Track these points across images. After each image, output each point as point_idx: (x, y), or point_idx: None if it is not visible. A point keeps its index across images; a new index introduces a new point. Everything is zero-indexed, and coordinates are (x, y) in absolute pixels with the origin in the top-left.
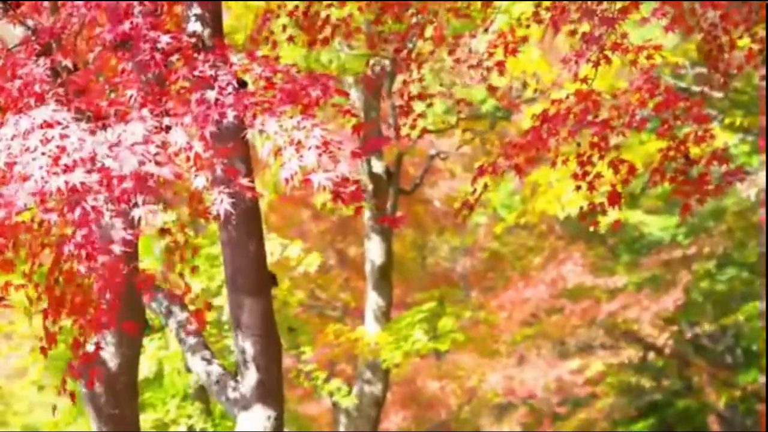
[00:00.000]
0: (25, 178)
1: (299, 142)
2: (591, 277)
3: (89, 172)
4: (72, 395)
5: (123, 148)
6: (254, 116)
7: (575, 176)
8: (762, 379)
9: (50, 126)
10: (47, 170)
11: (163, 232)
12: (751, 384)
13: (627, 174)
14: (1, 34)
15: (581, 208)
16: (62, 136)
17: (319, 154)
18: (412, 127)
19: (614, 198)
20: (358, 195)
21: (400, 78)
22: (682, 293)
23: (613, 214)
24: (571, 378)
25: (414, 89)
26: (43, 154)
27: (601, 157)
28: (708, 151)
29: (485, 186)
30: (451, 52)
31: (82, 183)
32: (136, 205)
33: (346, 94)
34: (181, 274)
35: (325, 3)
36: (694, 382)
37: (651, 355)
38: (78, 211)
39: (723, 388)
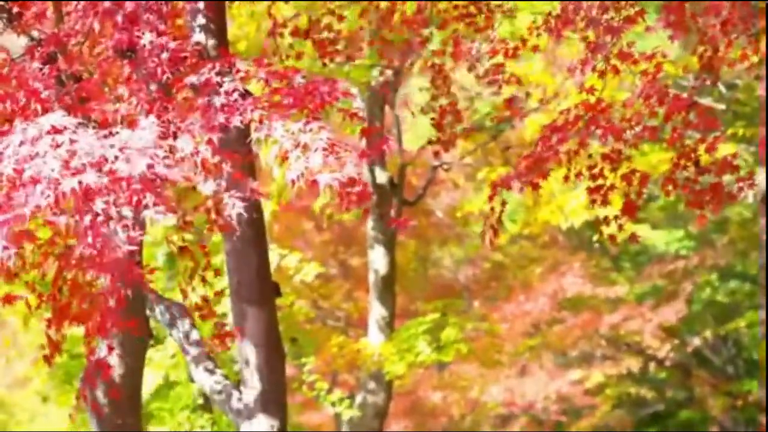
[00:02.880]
0: (36, 182)
1: (305, 145)
2: (591, 286)
3: (99, 174)
4: (93, 403)
5: (133, 150)
6: (260, 121)
7: (589, 190)
8: (763, 389)
9: (59, 132)
10: (59, 173)
11: (182, 250)
12: (751, 394)
13: (640, 184)
14: (5, 44)
15: (596, 221)
16: (72, 141)
17: (326, 156)
18: (451, 140)
19: (629, 209)
20: (365, 196)
21: (402, 89)
22: (684, 304)
23: (630, 227)
24: (572, 388)
25: (439, 103)
26: (54, 158)
27: (614, 170)
28: (718, 158)
29: (503, 203)
30: (455, 56)
31: (94, 185)
32: (146, 207)
33: (353, 96)
34: (204, 298)
35: (329, 16)
36: (696, 393)
37: (652, 365)
38: (88, 216)
39: (725, 399)
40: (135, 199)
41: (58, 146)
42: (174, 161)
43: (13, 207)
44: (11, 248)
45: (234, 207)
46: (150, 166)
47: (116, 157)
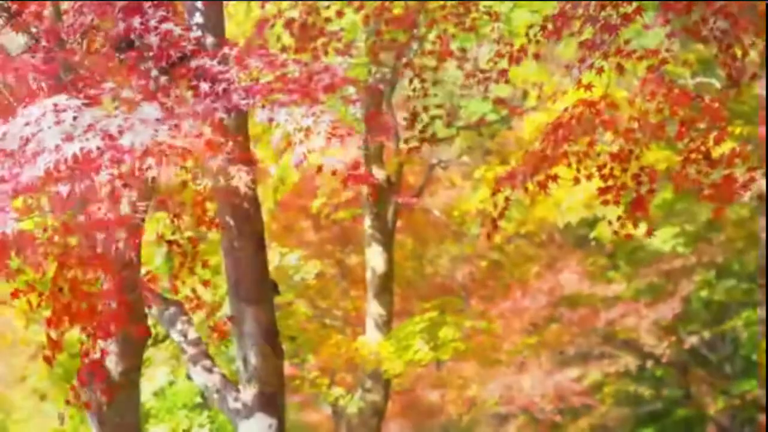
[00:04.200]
0: (38, 154)
1: (308, 129)
2: (588, 283)
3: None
4: (88, 402)
5: (136, 121)
6: (263, 106)
7: (600, 190)
8: (762, 389)
9: (63, 110)
10: (62, 140)
11: (171, 244)
12: (749, 393)
13: (650, 181)
14: (4, 43)
15: (609, 222)
16: (75, 119)
17: (328, 139)
18: (422, 140)
19: (639, 205)
20: (368, 177)
21: (400, 87)
22: (681, 302)
23: (642, 224)
24: (569, 386)
25: (418, 103)
26: (57, 131)
27: (624, 169)
28: (725, 152)
29: (506, 200)
30: (442, 55)
31: (94, 156)
32: (149, 168)
33: (356, 82)
34: (193, 289)
35: (323, 14)
36: (693, 391)
37: (650, 363)
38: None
39: (722, 398)
40: (137, 165)
41: (62, 122)
42: (179, 135)
43: (17, 179)
44: (11, 218)
45: (241, 179)
46: (153, 136)
47: (120, 132)
